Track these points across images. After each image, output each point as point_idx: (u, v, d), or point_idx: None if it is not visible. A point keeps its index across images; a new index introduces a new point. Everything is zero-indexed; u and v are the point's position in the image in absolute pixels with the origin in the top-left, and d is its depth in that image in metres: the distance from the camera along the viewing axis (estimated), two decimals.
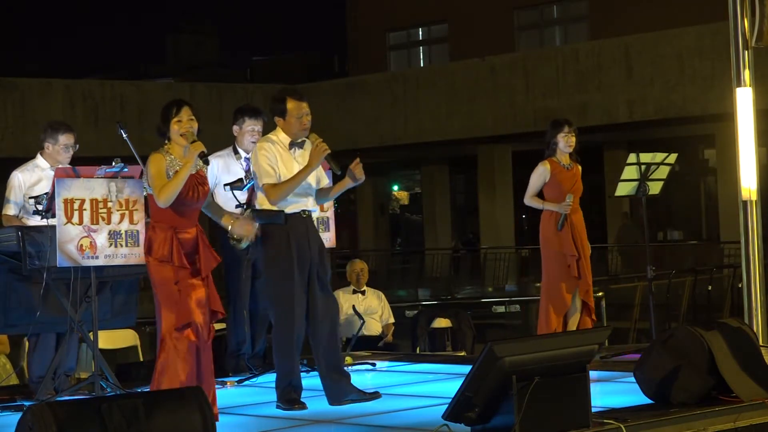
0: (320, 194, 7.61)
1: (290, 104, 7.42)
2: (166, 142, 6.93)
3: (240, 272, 8.86)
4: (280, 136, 7.47)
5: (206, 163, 7.00)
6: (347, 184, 7.45)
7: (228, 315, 8.99)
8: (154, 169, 6.81)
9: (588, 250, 9.49)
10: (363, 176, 7.39)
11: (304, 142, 7.47)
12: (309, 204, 7.47)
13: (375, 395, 7.41)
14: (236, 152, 8.98)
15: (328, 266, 7.56)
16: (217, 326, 9.51)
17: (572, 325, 9.46)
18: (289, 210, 7.40)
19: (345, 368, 7.61)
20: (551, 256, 9.42)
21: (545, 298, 9.46)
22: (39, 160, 8.38)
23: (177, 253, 6.78)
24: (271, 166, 7.36)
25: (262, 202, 7.51)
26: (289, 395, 7.38)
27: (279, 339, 7.46)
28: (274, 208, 7.41)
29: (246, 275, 8.89)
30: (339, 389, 7.40)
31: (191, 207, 6.92)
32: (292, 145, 7.44)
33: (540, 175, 9.44)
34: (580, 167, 9.60)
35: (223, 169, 8.91)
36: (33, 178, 8.28)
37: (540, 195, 9.48)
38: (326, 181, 7.68)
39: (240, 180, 8.78)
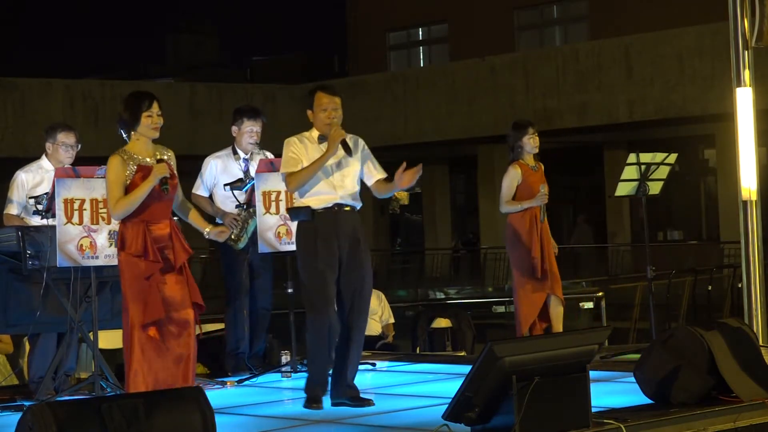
0: (379, 188, 7.54)
1: (318, 97, 7.43)
2: (132, 133, 6.86)
3: (238, 272, 8.86)
4: (313, 132, 7.47)
5: (165, 191, 6.81)
6: (393, 188, 7.45)
7: (227, 314, 9.00)
8: (112, 175, 6.76)
9: (551, 249, 9.46)
10: (411, 183, 7.30)
11: None
12: (339, 197, 7.37)
13: (368, 402, 7.34)
14: (235, 153, 8.98)
15: (361, 262, 7.39)
16: (216, 326, 9.54)
17: (556, 322, 9.44)
18: (316, 206, 7.37)
19: (351, 372, 7.48)
20: (521, 257, 9.41)
21: (517, 298, 9.45)
22: (43, 161, 8.41)
23: (151, 247, 6.75)
24: (293, 157, 7.36)
25: (295, 200, 7.53)
26: (313, 392, 7.36)
27: (311, 338, 7.37)
28: (303, 204, 7.39)
29: (244, 275, 8.89)
30: (337, 390, 7.41)
31: (161, 201, 6.84)
32: (321, 139, 7.41)
33: (513, 178, 9.44)
34: (542, 166, 9.61)
35: (221, 169, 8.91)
36: (36, 178, 8.30)
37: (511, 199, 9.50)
38: (380, 175, 7.54)
39: (240, 180, 8.79)
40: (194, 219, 7.17)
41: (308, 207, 7.37)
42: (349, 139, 7.47)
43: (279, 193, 8.63)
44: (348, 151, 7.36)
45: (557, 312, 9.49)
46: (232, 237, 8.72)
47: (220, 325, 9.53)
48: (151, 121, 6.84)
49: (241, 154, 8.95)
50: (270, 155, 9.01)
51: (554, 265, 9.50)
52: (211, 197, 8.98)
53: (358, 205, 7.52)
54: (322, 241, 7.33)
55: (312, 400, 7.33)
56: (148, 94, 6.97)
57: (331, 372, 7.50)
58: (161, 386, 6.63)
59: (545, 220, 9.47)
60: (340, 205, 7.39)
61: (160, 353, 6.75)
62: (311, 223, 7.36)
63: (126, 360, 6.79)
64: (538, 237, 9.38)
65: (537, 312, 9.42)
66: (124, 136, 7.57)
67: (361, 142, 7.55)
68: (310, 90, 7.59)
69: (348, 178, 7.43)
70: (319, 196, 7.37)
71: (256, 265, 8.92)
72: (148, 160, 6.85)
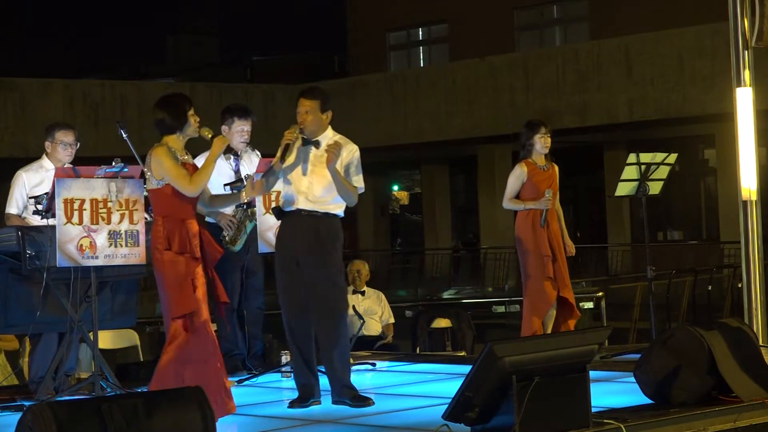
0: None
1: (298, 102, 7.51)
2: (177, 133, 6.90)
3: (231, 273, 8.82)
4: None
5: (236, 155, 7.10)
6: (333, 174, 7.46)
7: (218, 317, 8.97)
8: (169, 161, 6.79)
9: (562, 251, 9.42)
10: (331, 160, 7.29)
11: (318, 142, 7.45)
12: (301, 203, 7.42)
13: (368, 401, 7.36)
14: (225, 152, 8.92)
15: (320, 267, 7.40)
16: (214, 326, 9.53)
17: (548, 323, 9.43)
18: (285, 208, 7.50)
19: (342, 374, 7.50)
20: (530, 257, 9.38)
21: (529, 299, 9.41)
22: (44, 160, 8.41)
23: (191, 245, 6.81)
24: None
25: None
26: (297, 391, 7.50)
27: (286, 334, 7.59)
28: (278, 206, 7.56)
29: (237, 276, 8.86)
30: (336, 391, 7.43)
31: (193, 198, 6.93)
32: (306, 142, 7.45)
33: (518, 177, 9.44)
34: (557, 167, 9.60)
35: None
36: (37, 178, 8.29)
37: (516, 197, 9.48)
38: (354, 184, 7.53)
39: (240, 180, 8.76)
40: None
41: (278, 209, 7.54)
42: (332, 143, 7.43)
43: (279, 193, 8.62)
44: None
45: (552, 313, 9.47)
46: (228, 239, 8.71)
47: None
48: (194, 120, 6.93)
49: (231, 153, 8.92)
50: (259, 154, 9.00)
51: (565, 269, 9.44)
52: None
53: (329, 210, 7.46)
54: (283, 245, 7.49)
55: (295, 400, 7.44)
56: (185, 95, 7.07)
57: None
58: (187, 383, 6.63)
59: (547, 224, 9.42)
60: (303, 210, 7.42)
61: (187, 348, 6.76)
62: (281, 224, 7.53)
63: (163, 354, 6.82)
64: (544, 235, 9.36)
65: (547, 311, 9.34)
66: (124, 136, 7.57)
67: (346, 150, 7.45)
68: None
69: (317, 183, 7.43)
70: (286, 200, 7.50)
71: (251, 265, 8.91)
72: (184, 158, 6.93)
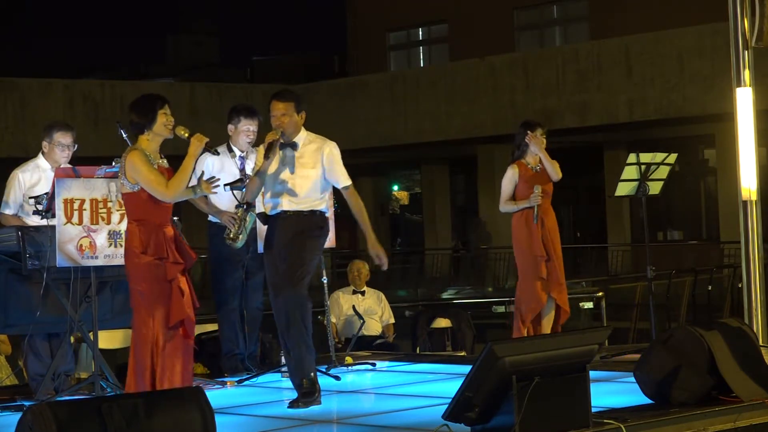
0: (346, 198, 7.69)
1: (270, 106, 7.54)
2: (145, 132, 6.81)
3: (232, 272, 8.82)
4: None
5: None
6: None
7: (221, 317, 8.96)
8: (144, 165, 6.70)
9: (558, 251, 9.44)
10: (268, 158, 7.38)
11: (296, 144, 7.45)
12: (284, 204, 7.45)
13: (312, 401, 7.35)
14: (231, 151, 8.94)
15: (303, 246, 7.39)
16: (211, 327, 9.53)
17: (546, 325, 9.44)
18: (269, 211, 7.52)
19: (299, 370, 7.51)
20: (524, 257, 9.40)
21: (519, 299, 9.43)
22: (40, 160, 8.37)
23: (170, 249, 6.75)
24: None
25: None
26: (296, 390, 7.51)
27: None
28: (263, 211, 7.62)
29: (238, 275, 8.85)
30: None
31: (167, 203, 6.85)
32: (283, 146, 7.46)
33: (510, 179, 9.47)
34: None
35: (218, 167, 8.87)
36: (33, 178, 8.27)
37: (511, 199, 9.50)
38: (343, 183, 7.57)
39: (240, 180, 8.77)
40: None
41: (264, 214, 7.58)
42: (308, 143, 7.48)
43: None
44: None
45: (549, 316, 9.47)
46: (231, 236, 8.70)
47: (214, 326, 9.52)
48: (166, 119, 6.84)
49: (237, 152, 8.93)
50: None
51: (560, 270, 9.45)
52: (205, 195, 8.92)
53: (314, 207, 7.49)
54: (269, 245, 7.52)
55: (294, 400, 7.44)
56: (159, 95, 6.98)
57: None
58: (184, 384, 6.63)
59: (547, 224, 9.42)
60: (288, 212, 7.45)
61: (185, 352, 6.76)
62: (267, 229, 7.55)
63: (139, 361, 6.71)
64: (538, 236, 9.36)
65: (537, 311, 9.38)
66: (124, 136, 7.54)
67: (326, 149, 7.50)
68: None
69: (300, 185, 7.46)
70: (271, 204, 7.52)
71: (251, 265, 8.91)
72: (158, 162, 6.84)
